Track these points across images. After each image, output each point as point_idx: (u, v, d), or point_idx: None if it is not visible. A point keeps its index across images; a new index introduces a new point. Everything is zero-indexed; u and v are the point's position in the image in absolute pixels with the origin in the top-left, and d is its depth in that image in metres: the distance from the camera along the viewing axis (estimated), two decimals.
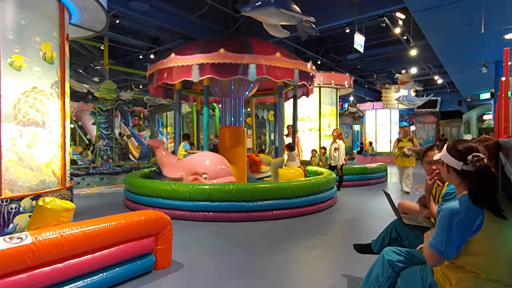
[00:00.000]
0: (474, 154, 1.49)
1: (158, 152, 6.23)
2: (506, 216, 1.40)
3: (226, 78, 5.69)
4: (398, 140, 7.21)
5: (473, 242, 1.42)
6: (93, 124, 8.82)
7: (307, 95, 7.56)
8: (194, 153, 6.06)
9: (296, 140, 7.56)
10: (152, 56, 11.03)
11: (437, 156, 1.70)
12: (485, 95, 15.18)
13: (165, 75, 5.90)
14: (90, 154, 9.19)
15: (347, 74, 11.78)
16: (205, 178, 5.23)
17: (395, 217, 2.38)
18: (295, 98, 7.31)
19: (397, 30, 9.39)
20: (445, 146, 1.64)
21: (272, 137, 16.42)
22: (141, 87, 14.80)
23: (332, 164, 7.17)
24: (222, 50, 5.44)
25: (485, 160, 1.49)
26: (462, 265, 1.46)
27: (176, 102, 6.75)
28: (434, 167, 2.25)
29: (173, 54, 5.79)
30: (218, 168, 5.42)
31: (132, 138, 11.20)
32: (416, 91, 15.09)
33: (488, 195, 1.42)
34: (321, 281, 2.76)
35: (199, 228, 4.38)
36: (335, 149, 7.08)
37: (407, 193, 6.95)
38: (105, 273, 2.50)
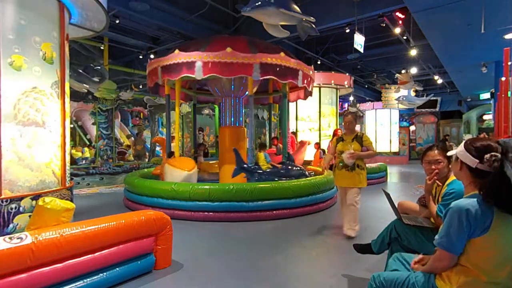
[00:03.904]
0: (492, 153, 1.43)
1: None
2: None
3: (176, 77, 5.73)
4: (338, 139, 4.04)
5: (479, 242, 1.40)
6: (93, 124, 8.82)
7: (307, 96, 7.53)
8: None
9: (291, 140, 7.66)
10: (152, 56, 11.03)
11: (452, 152, 1.66)
12: (485, 95, 15.19)
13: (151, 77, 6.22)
14: (88, 150, 9.23)
15: (347, 74, 11.79)
16: None
17: (395, 217, 2.38)
18: (285, 100, 7.17)
19: (397, 30, 9.40)
20: (462, 143, 1.60)
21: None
22: (141, 87, 14.79)
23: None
24: (176, 51, 5.57)
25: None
26: (466, 267, 1.44)
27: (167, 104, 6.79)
28: (433, 167, 2.25)
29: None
30: None
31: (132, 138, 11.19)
32: (416, 91, 15.08)
33: (504, 196, 1.38)
34: (321, 281, 2.76)
35: (199, 228, 4.38)
36: None
37: (352, 237, 3.86)
38: (105, 273, 2.49)
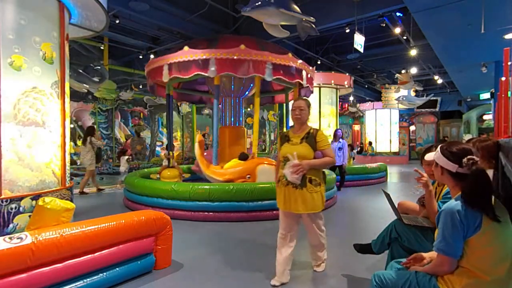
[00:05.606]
0: (469, 157, 1.48)
1: None
2: (499, 220, 1.40)
3: (154, 80, 6.13)
4: (283, 138, 2.75)
5: (474, 241, 1.41)
6: (93, 124, 8.82)
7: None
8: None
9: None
10: (152, 56, 11.03)
11: (429, 156, 1.67)
12: (485, 95, 15.18)
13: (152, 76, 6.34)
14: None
15: (347, 74, 11.79)
16: None
17: (395, 217, 2.39)
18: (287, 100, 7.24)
19: (397, 30, 9.40)
20: (438, 148, 1.63)
21: (272, 137, 16.43)
22: (141, 87, 14.80)
23: (337, 164, 7.12)
24: (152, 56, 5.89)
25: (479, 163, 1.49)
26: (467, 268, 1.44)
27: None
28: (433, 168, 2.25)
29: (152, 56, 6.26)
30: None
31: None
32: (416, 91, 15.08)
33: (483, 198, 1.42)
34: (321, 281, 2.76)
35: (199, 228, 4.38)
36: (339, 148, 7.05)
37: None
38: (105, 273, 2.50)
